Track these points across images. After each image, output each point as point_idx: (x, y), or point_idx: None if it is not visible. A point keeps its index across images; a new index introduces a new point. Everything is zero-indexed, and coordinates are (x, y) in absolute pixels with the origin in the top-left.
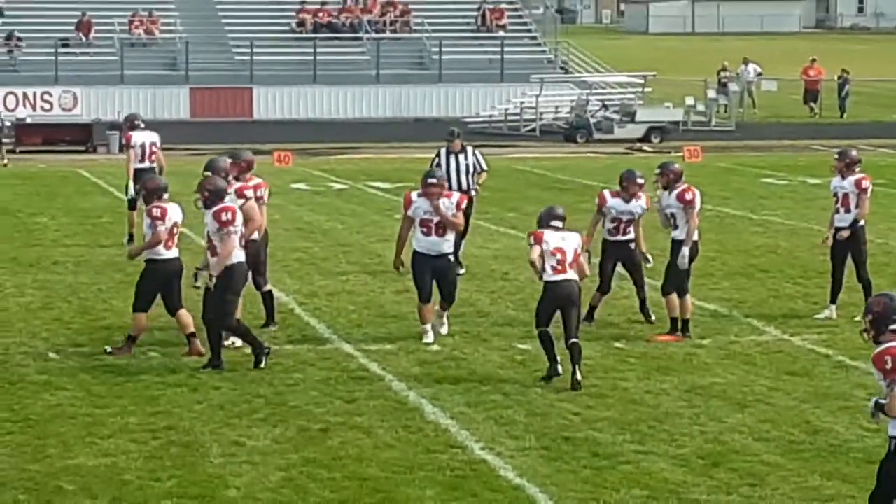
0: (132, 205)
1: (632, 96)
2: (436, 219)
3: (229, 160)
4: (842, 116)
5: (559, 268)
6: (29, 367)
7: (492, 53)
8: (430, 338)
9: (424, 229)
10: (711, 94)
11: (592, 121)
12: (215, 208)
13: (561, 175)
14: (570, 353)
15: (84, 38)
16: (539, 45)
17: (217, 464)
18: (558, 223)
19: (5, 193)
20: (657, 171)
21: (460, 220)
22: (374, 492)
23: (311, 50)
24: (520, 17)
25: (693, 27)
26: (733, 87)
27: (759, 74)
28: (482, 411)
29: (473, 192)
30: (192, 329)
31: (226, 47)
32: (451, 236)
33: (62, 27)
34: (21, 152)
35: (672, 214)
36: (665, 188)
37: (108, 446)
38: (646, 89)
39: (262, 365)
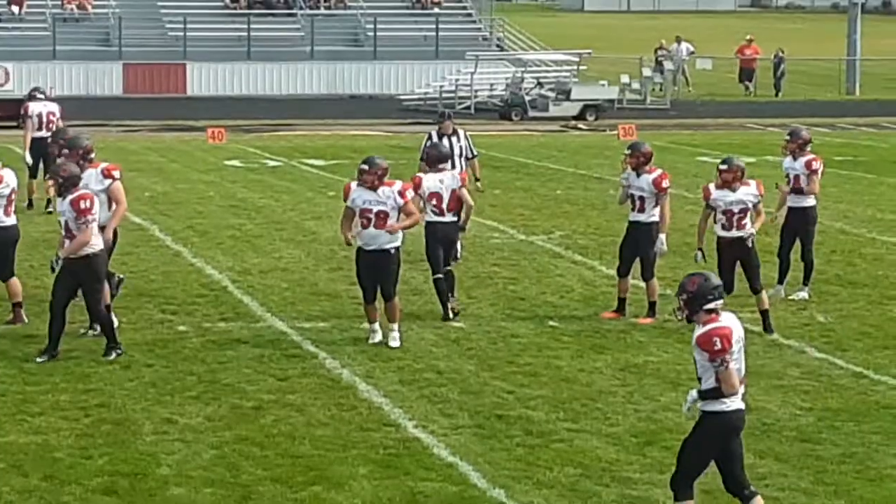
0: (33, 173)
1: (567, 74)
2: (375, 208)
3: (87, 141)
4: (777, 95)
5: (437, 211)
6: None
7: (427, 30)
8: (376, 338)
9: (364, 221)
10: (647, 72)
11: (527, 99)
12: (71, 196)
13: (496, 153)
14: (446, 281)
15: (16, 13)
16: (474, 22)
17: (149, 441)
18: (445, 165)
19: None
20: (627, 151)
21: (407, 213)
22: (307, 469)
23: (246, 26)
24: None
25: (629, 5)
26: (668, 65)
27: (692, 53)
28: (416, 389)
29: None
30: (19, 299)
31: (159, 23)
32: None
33: None
34: None
35: (640, 198)
36: (634, 169)
37: (39, 424)
38: (581, 67)
39: (111, 357)
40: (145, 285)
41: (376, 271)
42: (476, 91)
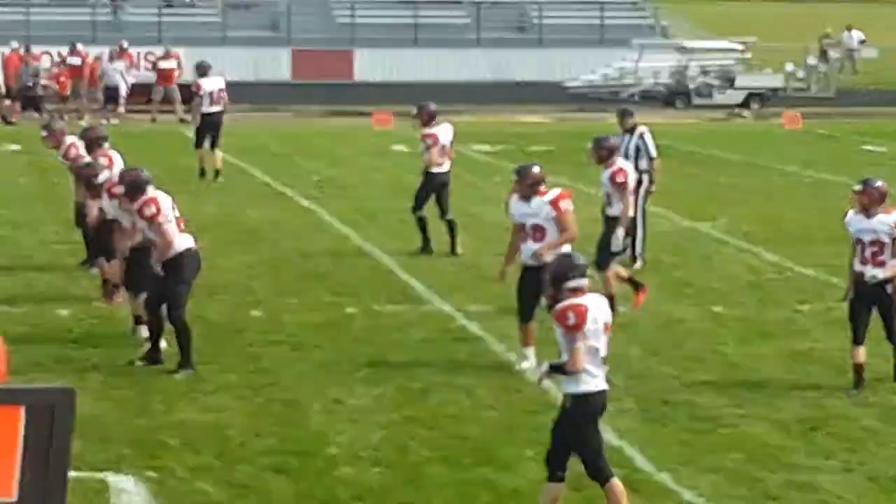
0: (200, 143)
1: (731, 62)
2: (529, 221)
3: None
4: None
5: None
6: None
7: (592, 17)
8: (524, 364)
9: (523, 235)
10: (812, 60)
11: (692, 86)
12: (137, 205)
13: (660, 141)
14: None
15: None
16: (640, 9)
17: (318, 421)
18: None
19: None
20: (591, 145)
21: (562, 228)
22: (474, 451)
23: (413, 13)
24: None
25: None
26: (834, 53)
27: (863, 41)
28: None
29: (643, 178)
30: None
31: (327, 9)
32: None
33: None
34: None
35: (606, 193)
36: (599, 163)
37: (211, 402)
38: (745, 55)
39: (179, 377)
40: (315, 268)
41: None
42: (641, 78)
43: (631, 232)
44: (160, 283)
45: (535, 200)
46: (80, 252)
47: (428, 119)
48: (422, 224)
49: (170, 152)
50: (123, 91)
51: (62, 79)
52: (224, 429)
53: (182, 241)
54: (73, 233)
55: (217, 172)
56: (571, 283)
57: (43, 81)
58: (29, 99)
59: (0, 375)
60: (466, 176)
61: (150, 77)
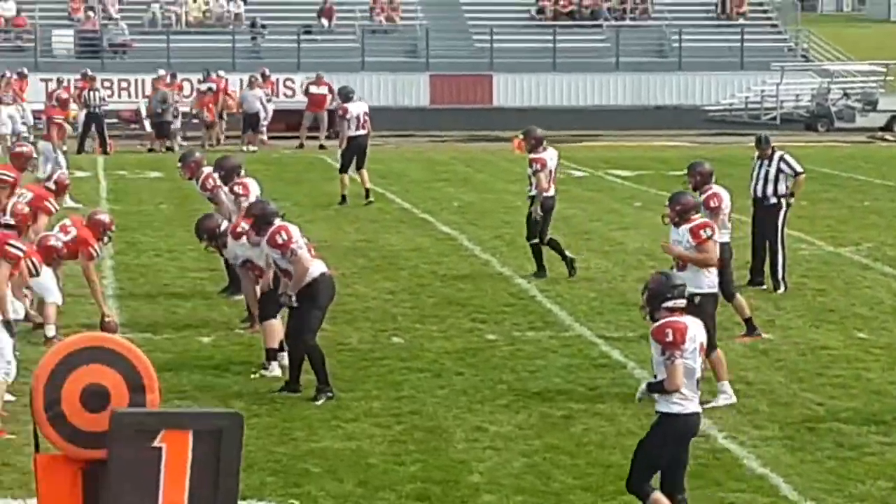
0: (345, 168)
1: (874, 85)
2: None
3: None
4: None
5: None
6: None
7: (732, 41)
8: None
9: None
10: None
11: (833, 109)
12: (267, 235)
13: (804, 164)
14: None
15: (326, 25)
16: (779, 32)
17: (460, 449)
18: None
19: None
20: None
21: (703, 253)
22: (618, 479)
23: (551, 37)
24: (760, 4)
25: None
26: None
27: None
28: None
29: (781, 202)
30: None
31: (466, 34)
32: (702, 270)
33: (305, 14)
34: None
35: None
36: (695, 189)
37: (353, 430)
38: (888, 78)
39: (318, 402)
40: (455, 294)
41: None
42: (782, 102)
43: (771, 257)
44: (296, 310)
45: (682, 228)
46: (221, 279)
47: (535, 144)
48: (538, 250)
49: (311, 178)
50: (263, 118)
51: (210, 105)
52: (366, 456)
53: (315, 267)
54: (214, 260)
55: (367, 192)
56: (668, 303)
57: (183, 108)
58: (158, 126)
59: (154, 402)
60: (606, 201)
61: (289, 104)
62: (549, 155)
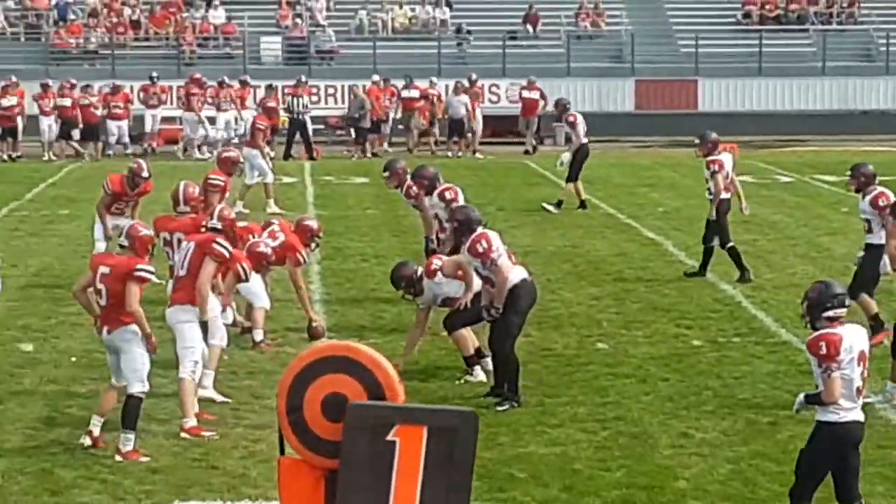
0: (574, 177)
1: None
2: None
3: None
4: None
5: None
6: None
7: None
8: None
9: None
10: None
11: None
12: (468, 243)
13: None
14: None
15: (531, 31)
16: None
17: (666, 455)
18: None
19: (455, 184)
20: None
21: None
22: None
23: (757, 42)
24: None
25: None
26: None
27: None
28: None
29: None
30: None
31: (671, 39)
32: None
33: (510, 20)
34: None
35: (866, 220)
36: (857, 191)
37: (558, 435)
38: None
39: (501, 409)
40: (660, 299)
41: None
42: None
43: None
44: (499, 317)
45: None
46: None
47: (712, 147)
48: (735, 253)
49: (513, 183)
50: (469, 124)
51: (426, 112)
52: (571, 462)
53: (515, 274)
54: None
55: (583, 203)
56: (829, 313)
57: (392, 115)
58: (356, 132)
59: (396, 396)
60: (813, 207)
61: (495, 109)
62: (726, 158)
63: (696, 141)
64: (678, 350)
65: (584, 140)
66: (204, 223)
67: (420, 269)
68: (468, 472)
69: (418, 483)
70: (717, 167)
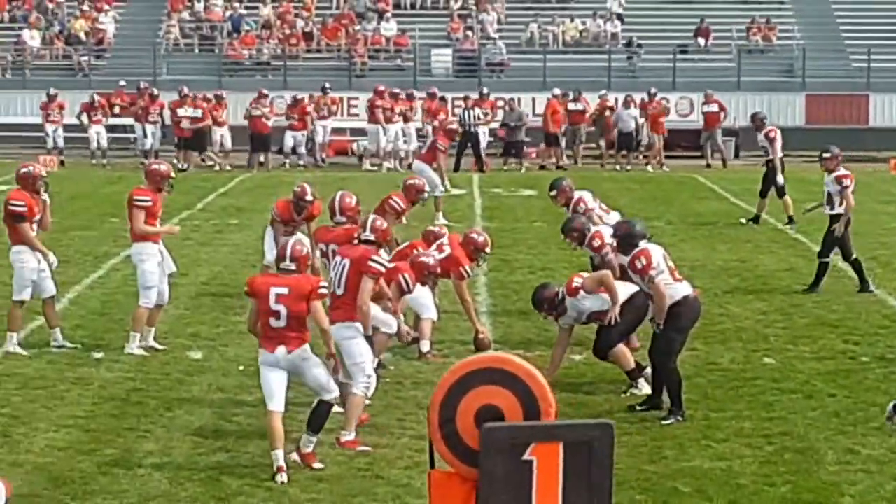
0: (781, 192)
1: None
2: None
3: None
4: None
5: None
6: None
7: None
8: None
9: None
10: None
11: None
12: (629, 259)
13: None
14: None
15: (703, 45)
16: None
17: (832, 471)
18: None
19: (624, 198)
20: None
21: None
22: None
23: None
24: None
25: None
26: None
27: None
28: None
29: None
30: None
31: (843, 53)
32: None
33: (681, 33)
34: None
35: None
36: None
37: (723, 450)
38: None
39: (666, 423)
40: (828, 315)
41: None
42: None
43: None
44: (660, 332)
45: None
46: None
47: (837, 163)
48: (858, 265)
49: (682, 198)
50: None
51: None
52: (736, 476)
53: (678, 290)
54: None
55: (790, 218)
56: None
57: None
58: (507, 144)
59: (549, 407)
60: None
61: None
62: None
63: (825, 155)
64: (846, 366)
65: (780, 154)
66: (356, 234)
67: (562, 289)
68: (608, 484)
69: (558, 499)
70: (849, 181)
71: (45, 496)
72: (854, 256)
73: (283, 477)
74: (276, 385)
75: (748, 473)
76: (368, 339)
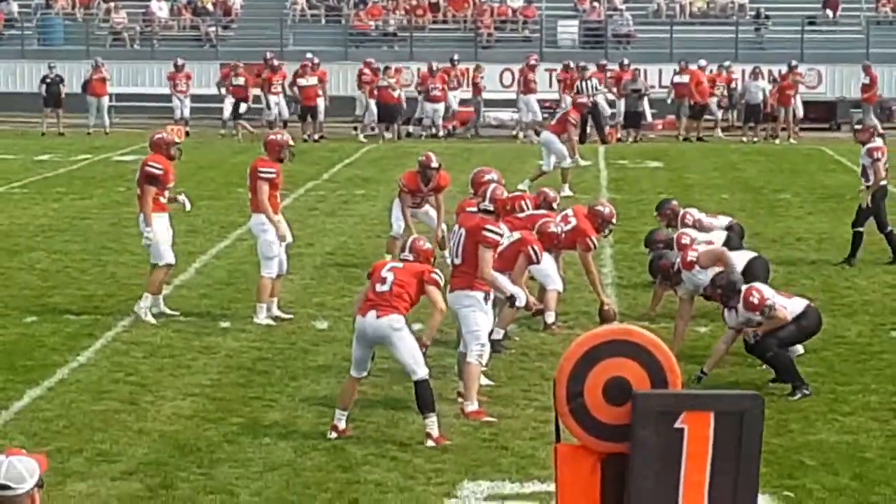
0: None
1: None
2: None
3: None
4: None
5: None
6: None
7: None
8: None
9: None
10: None
11: None
12: (741, 301)
13: None
14: None
15: (831, 16)
16: None
17: None
18: None
19: (751, 170)
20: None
21: None
22: None
23: None
24: None
25: None
26: None
27: None
28: None
29: None
30: None
31: None
32: None
33: (810, 4)
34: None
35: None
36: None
37: (850, 423)
38: None
39: (793, 398)
40: None
41: None
42: None
43: None
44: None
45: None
46: None
47: (871, 135)
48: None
49: (809, 169)
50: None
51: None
52: (863, 450)
53: (796, 305)
54: None
55: None
56: None
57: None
58: (625, 116)
59: (676, 378)
60: None
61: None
62: (881, 142)
63: (857, 127)
64: None
65: None
66: (477, 204)
67: (678, 261)
68: (756, 456)
69: (707, 469)
70: (880, 154)
71: (171, 464)
72: (889, 229)
73: (331, 434)
74: (362, 352)
75: (875, 447)
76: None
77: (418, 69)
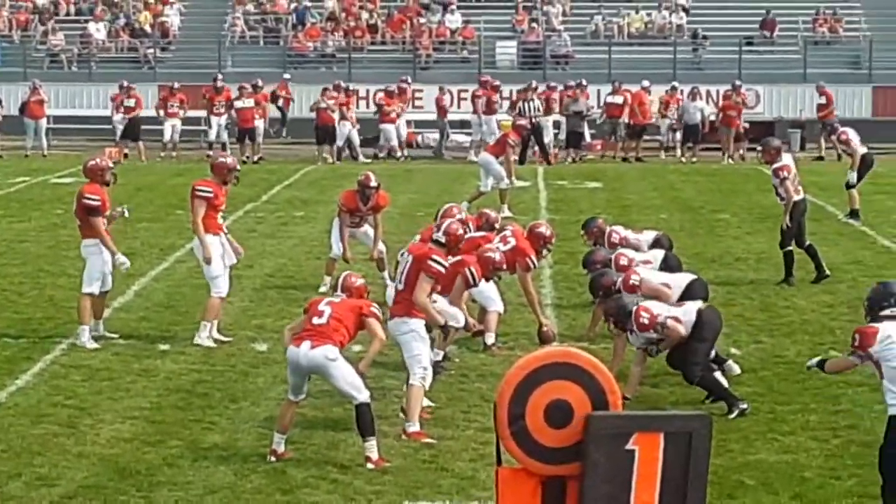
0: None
1: None
2: None
3: None
4: None
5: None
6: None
7: None
8: None
9: None
10: None
11: None
12: (631, 322)
13: None
14: None
15: (768, 36)
16: None
17: None
18: None
19: (689, 190)
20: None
21: None
22: None
23: None
24: None
25: None
26: None
27: None
28: None
29: None
30: None
31: None
32: None
33: (747, 25)
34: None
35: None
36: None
37: (790, 443)
38: None
39: (731, 416)
40: None
41: None
42: None
43: None
44: (682, 344)
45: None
46: None
47: (775, 154)
48: (813, 251)
49: (747, 189)
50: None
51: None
52: (802, 470)
53: (686, 314)
54: None
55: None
56: (885, 311)
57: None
58: (568, 135)
59: (617, 400)
60: None
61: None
62: (789, 160)
63: (759, 148)
64: None
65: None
66: (432, 235)
67: (619, 282)
68: (704, 475)
69: (656, 489)
70: (785, 173)
71: (110, 487)
72: (808, 244)
73: (270, 458)
74: (296, 380)
75: (814, 467)
76: (444, 328)
77: (376, 91)
